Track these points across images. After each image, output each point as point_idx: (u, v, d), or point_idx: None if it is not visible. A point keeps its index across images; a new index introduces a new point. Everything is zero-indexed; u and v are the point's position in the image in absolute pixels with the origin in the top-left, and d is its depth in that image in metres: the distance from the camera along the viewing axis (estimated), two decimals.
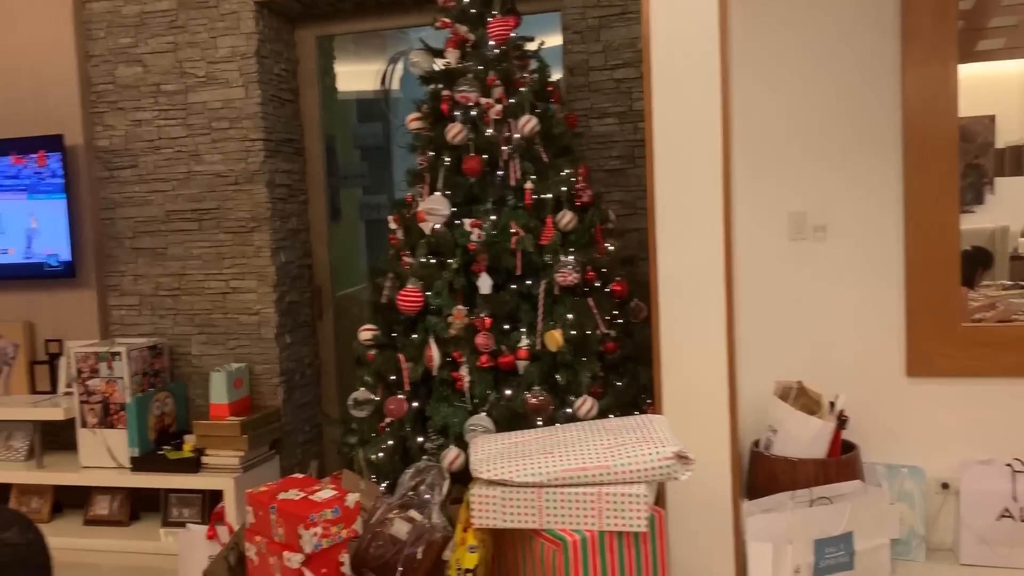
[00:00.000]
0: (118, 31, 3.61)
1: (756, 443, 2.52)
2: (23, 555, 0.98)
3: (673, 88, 2.11)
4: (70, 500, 3.68)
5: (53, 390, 3.72)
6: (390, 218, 2.82)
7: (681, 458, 1.78)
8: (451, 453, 2.44)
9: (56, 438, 3.70)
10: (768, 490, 2.33)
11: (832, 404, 2.43)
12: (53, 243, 3.61)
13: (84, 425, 3.42)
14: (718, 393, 2.15)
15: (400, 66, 5.21)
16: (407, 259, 2.68)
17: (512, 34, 2.67)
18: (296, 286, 3.69)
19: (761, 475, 2.42)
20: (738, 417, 2.24)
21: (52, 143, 3.57)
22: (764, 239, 2.48)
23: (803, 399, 2.48)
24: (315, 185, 3.83)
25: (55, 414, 3.45)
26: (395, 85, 5.21)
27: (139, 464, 3.34)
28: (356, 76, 4.98)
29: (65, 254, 3.61)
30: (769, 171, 2.44)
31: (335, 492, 2.00)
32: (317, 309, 3.86)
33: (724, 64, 2.08)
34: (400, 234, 2.78)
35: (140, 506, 3.59)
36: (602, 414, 2.45)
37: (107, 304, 3.74)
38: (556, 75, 2.83)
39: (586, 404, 2.42)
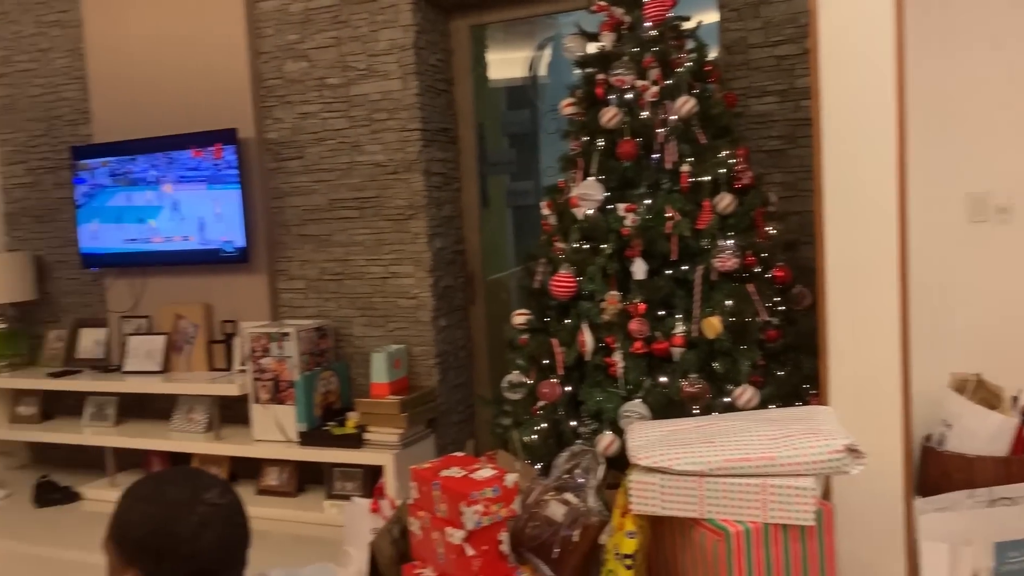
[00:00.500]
0: (286, 28, 3.81)
1: (927, 438, 2.39)
2: (224, 513, 1.06)
3: (843, 63, 2.01)
4: (244, 471, 3.94)
5: (229, 368, 4.00)
6: (543, 204, 2.84)
7: (852, 452, 1.70)
8: (606, 438, 2.44)
9: (232, 412, 3.97)
10: (940, 488, 2.21)
11: (1015, 399, 2.27)
12: (229, 230, 3.87)
13: (257, 401, 3.65)
14: (890, 384, 2.04)
15: (548, 52, 5.23)
16: (560, 245, 2.70)
17: (669, 14, 2.62)
18: (450, 271, 3.79)
19: (933, 472, 2.29)
20: (911, 410, 2.12)
21: (227, 136, 3.81)
22: (940, 222, 2.33)
23: (981, 393, 2.32)
24: (467, 173, 3.90)
25: (230, 390, 3.70)
26: (543, 71, 5.23)
27: (306, 439, 3.53)
28: (505, 64, 5.04)
29: (240, 240, 3.85)
30: (946, 149, 2.29)
31: (495, 471, 2.04)
32: (470, 294, 3.94)
33: (899, 35, 1.97)
34: (553, 220, 2.80)
35: (306, 478, 3.80)
36: (762, 404, 2.38)
37: (277, 288, 3.97)
38: (712, 53, 2.76)
39: (746, 393, 2.36)
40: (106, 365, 4.30)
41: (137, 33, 4.09)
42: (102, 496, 4.01)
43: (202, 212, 3.92)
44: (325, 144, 3.78)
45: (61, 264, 4.53)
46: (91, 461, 4.35)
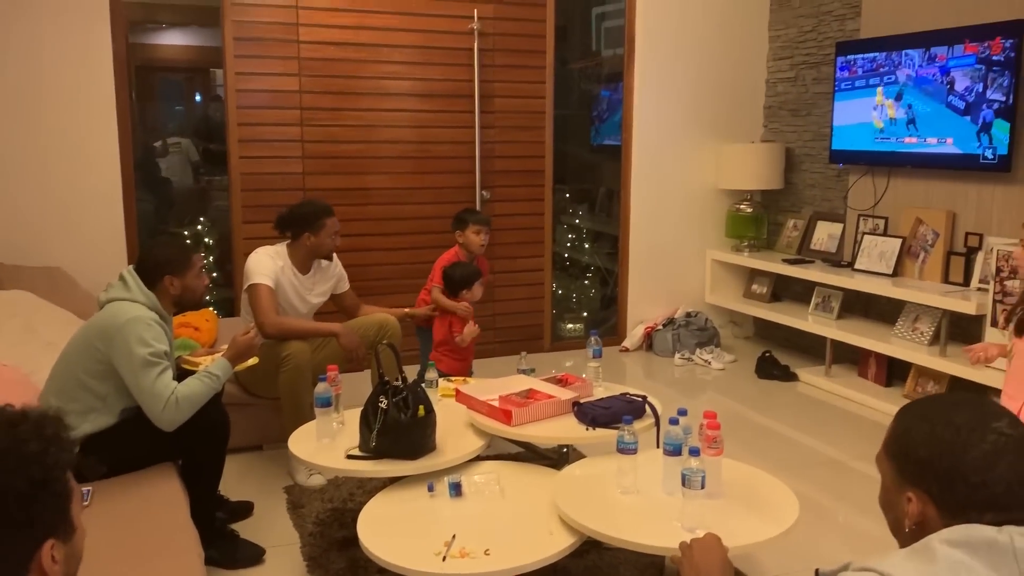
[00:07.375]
0: None
1: None
2: (1017, 445, 0.98)
3: None
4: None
5: (966, 283, 3.73)
6: None
7: None
8: None
9: (961, 330, 3.71)
10: None
11: None
12: (993, 134, 3.52)
13: (994, 324, 3.34)
14: None
15: None
16: None
17: None
18: None
19: None
20: None
21: (1010, 29, 3.40)
22: None
23: None
24: None
25: (965, 307, 3.46)
26: None
27: None
28: None
29: (1002, 147, 3.48)
30: None
31: None
32: None
33: None
34: None
35: None
36: None
37: None
38: None
39: None
40: (837, 259, 4.42)
41: None
42: (816, 382, 4.22)
43: (966, 113, 3.63)
44: None
45: (808, 157, 4.74)
46: (809, 347, 4.60)
